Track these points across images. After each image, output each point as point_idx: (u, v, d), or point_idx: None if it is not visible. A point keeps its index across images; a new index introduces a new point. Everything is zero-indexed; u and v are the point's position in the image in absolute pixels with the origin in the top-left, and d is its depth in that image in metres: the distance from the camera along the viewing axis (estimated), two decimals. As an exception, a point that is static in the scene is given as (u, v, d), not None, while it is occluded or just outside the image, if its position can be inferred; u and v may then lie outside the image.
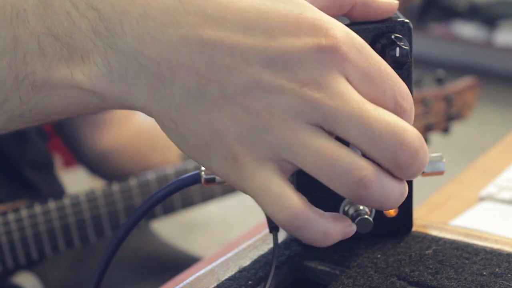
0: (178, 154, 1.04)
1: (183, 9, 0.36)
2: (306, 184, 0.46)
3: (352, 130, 0.36)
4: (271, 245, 0.50)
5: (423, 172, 0.41)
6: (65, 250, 0.91)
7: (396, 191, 0.37)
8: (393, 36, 0.42)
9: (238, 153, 0.37)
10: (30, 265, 0.91)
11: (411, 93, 0.43)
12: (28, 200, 0.91)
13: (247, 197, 0.39)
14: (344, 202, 0.46)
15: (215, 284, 0.45)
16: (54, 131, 1.08)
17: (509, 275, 0.44)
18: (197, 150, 0.38)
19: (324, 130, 0.36)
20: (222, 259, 0.49)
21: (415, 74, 0.51)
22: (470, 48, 3.58)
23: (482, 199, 0.71)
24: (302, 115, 0.36)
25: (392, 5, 0.42)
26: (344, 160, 0.36)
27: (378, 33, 0.42)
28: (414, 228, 0.50)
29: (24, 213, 0.87)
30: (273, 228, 0.46)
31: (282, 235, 0.50)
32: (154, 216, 0.95)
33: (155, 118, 0.38)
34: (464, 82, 1.09)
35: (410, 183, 0.47)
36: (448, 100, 1.04)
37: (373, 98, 0.37)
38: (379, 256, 0.47)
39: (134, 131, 1.05)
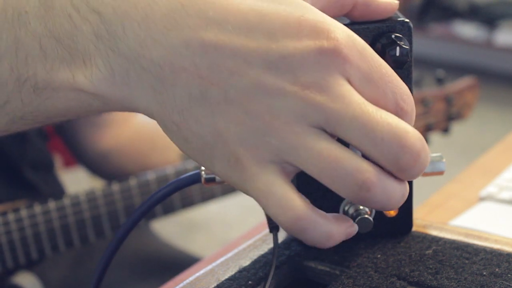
0: (178, 154, 1.04)
1: (185, 12, 0.36)
2: (306, 183, 0.46)
3: (354, 132, 0.36)
4: (271, 245, 0.50)
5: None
6: (65, 250, 0.91)
7: (397, 192, 0.37)
8: (393, 36, 0.42)
9: (240, 155, 0.37)
10: (30, 265, 0.91)
11: (411, 93, 0.43)
12: (28, 200, 0.91)
13: (247, 197, 0.39)
14: (344, 201, 0.46)
15: (215, 284, 0.45)
16: (54, 131, 1.08)
17: (509, 275, 0.44)
18: (199, 152, 0.38)
19: (326, 132, 0.36)
20: (222, 259, 0.49)
21: (415, 74, 0.51)
22: (470, 48, 3.58)
23: (482, 199, 0.71)
24: (304, 117, 0.36)
25: (393, 5, 0.42)
26: (346, 163, 0.36)
27: (378, 32, 0.42)
28: (414, 228, 0.50)
29: (24, 213, 0.87)
30: (273, 228, 0.46)
31: (282, 235, 0.50)
32: (154, 216, 0.95)
33: (157, 121, 0.38)
34: (464, 82, 1.09)
35: (410, 183, 0.47)
36: (448, 100, 1.04)
37: (375, 100, 0.37)
38: (379, 256, 0.47)
39: (134, 131, 1.05)
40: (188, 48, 0.36)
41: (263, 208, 0.38)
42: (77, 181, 1.63)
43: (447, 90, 1.05)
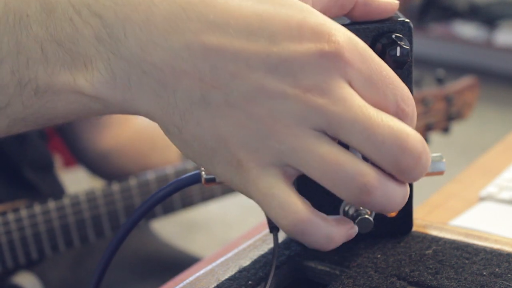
0: (178, 154, 1.04)
1: (186, 16, 0.36)
2: (306, 184, 0.46)
3: (355, 135, 0.36)
4: (271, 245, 0.50)
5: (423, 173, 0.41)
6: (64, 250, 0.91)
7: (398, 194, 0.38)
8: (393, 36, 0.42)
9: (242, 158, 0.37)
10: (30, 265, 0.91)
11: (412, 93, 0.43)
12: (27, 200, 0.91)
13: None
14: (344, 202, 0.46)
15: (215, 284, 0.45)
16: (54, 131, 1.08)
17: (509, 275, 0.44)
18: (201, 155, 0.38)
19: (327, 135, 0.36)
20: (222, 259, 0.49)
21: (415, 74, 0.51)
22: (470, 48, 3.58)
23: (482, 199, 0.71)
24: (305, 120, 0.36)
25: (393, 5, 0.42)
26: (347, 166, 0.36)
27: (379, 32, 0.42)
28: (414, 228, 0.50)
29: (23, 213, 0.87)
30: (273, 228, 0.46)
31: (282, 235, 0.50)
32: (154, 216, 0.95)
33: (158, 124, 0.39)
34: (464, 81, 1.09)
35: (410, 184, 0.47)
36: (448, 99, 1.04)
37: (375, 102, 0.37)
38: (379, 256, 0.47)
39: (134, 131, 1.05)
40: (190, 51, 0.36)
41: (265, 211, 0.38)
42: (77, 181, 1.63)
43: (447, 89, 1.05)
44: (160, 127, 0.39)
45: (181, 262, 0.97)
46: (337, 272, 0.47)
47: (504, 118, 3.08)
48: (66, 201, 0.89)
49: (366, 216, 0.43)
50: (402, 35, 0.42)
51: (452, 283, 0.43)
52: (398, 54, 0.41)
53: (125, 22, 0.37)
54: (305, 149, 0.36)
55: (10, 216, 0.87)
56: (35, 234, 0.88)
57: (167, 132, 0.38)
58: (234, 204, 2.17)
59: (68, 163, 1.78)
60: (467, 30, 3.55)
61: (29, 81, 0.39)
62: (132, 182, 0.92)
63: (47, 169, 1.02)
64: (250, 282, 0.46)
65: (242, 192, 0.38)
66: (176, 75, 0.36)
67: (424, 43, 3.60)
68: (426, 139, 1.05)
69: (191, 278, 0.47)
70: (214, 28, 0.36)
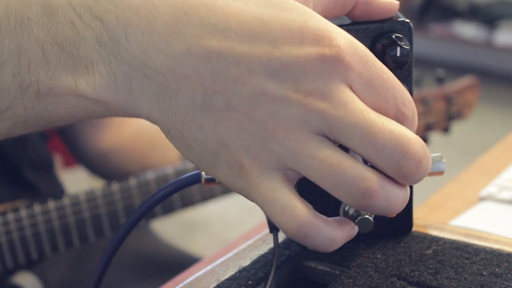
0: (178, 154, 1.04)
1: (188, 20, 0.36)
2: (307, 184, 0.46)
3: (356, 139, 0.36)
4: (271, 245, 0.50)
5: (423, 173, 0.41)
6: (64, 250, 0.91)
7: (399, 197, 0.38)
8: (393, 36, 0.42)
9: (244, 162, 0.37)
10: (29, 265, 0.91)
11: (411, 93, 0.43)
12: (27, 200, 0.91)
13: (247, 197, 0.39)
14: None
15: (215, 284, 0.45)
16: (54, 131, 1.08)
17: (509, 275, 0.44)
18: (203, 159, 0.38)
19: (328, 139, 0.36)
20: (222, 259, 0.49)
21: (415, 74, 0.51)
22: (470, 48, 3.58)
23: (482, 199, 0.71)
24: (307, 124, 0.36)
25: (393, 5, 0.42)
26: (349, 171, 0.36)
27: (379, 32, 0.42)
28: (414, 228, 0.50)
29: (23, 213, 0.87)
30: (273, 228, 0.46)
31: (282, 235, 0.50)
32: (154, 216, 0.95)
33: (160, 127, 0.39)
34: (464, 81, 1.09)
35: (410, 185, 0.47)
36: (448, 99, 1.04)
37: (376, 106, 0.37)
38: (379, 256, 0.47)
39: (134, 131, 1.05)
40: (191, 56, 0.36)
41: (267, 215, 0.38)
42: (77, 181, 1.63)
43: (447, 89, 1.05)
44: (162, 130, 0.39)
45: (181, 262, 0.97)
46: (337, 272, 0.47)
47: (504, 118, 3.08)
48: (66, 201, 0.89)
49: (366, 216, 0.43)
50: (402, 35, 0.42)
51: (452, 283, 0.43)
52: (398, 54, 0.41)
53: (126, 26, 0.37)
54: (307, 153, 0.36)
55: (10, 216, 0.86)
56: (35, 234, 0.88)
57: (168, 135, 0.38)
58: (234, 204, 2.17)
59: (68, 163, 1.78)
60: (467, 30, 3.55)
61: (30, 84, 0.39)
62: (132, 182, 0.92)
63: (47, 169, 1.02)
64: (250, 282, 0.46)
65: (244, 196, 0.39)
66: (177, 79, 0.36)
67: (424, 43, 3.60)
68: (426, 139, 1.05)
69: (191, 278, 0.47)
70: (215, 32, 0.36)
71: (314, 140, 0.36)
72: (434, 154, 0.43)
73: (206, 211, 2.23)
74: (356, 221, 0.42)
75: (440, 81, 1.06)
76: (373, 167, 0.37)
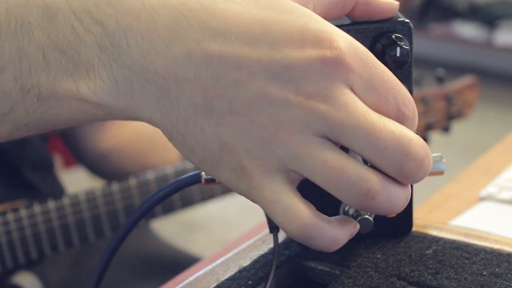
0: (178, 154, 1.04)
1: (187, 23, 0.36)
2: (307, 184, 0.46)
3: (358, 140, 0.36)
4: (271, 245, 0.50)
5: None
6: (64, 250, 0.91)
7: (401, 197, 0.38)
8: (393, 36, 0.42)
9: (246, 165, 0.37)
10: (29, 265, 0.91)
11: (411, 93, 0.43)
12: (27, 200, 0.91)
13: (247, 196, 0.39)
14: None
15: (215, 284, 0.45)
16: (54, 131, 1.08)
17: (509, 275, 0.44)
18: (205, 161, 0.38)
19: (330, 140, 0.37)
20: (222, 259, 0.49)
21: (415, 73, 0.51)
22: (470, 48, 3.58)
23: (482, 199, 0.71)
24: (308, 127, 0.36)
25: (393, 5, 0.42)
26: (351, 173, 0.36)
27: (379, 33, 0.42)
28: (414, 228, 0.50)
29: (23, 212, 0.87)
30: (273, 228, 0.46)
31: (282, 235, 0.50)
32: (154, 216, 0.95)
33: (162, 131, 0.39)
34: (464, 81, 1.09)
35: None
36: (448, 99, 1.04)
37: (377, 106, 0.37)
38: (379, 256, 0.47)
39: (134, 131, 1.05)
40: (192, 59, 0.36)
41: (270, 217, 0.38)
42: (77, 181, 1.63)
43: (447, 89, 1.05)
44: (164, 133, 0.39)
45: (181, 262, 0.97)
46: (337, 272, 0.47)
47: (504, 118, 3.08)
48: (65, 201, 0.89)
49: (366, 216, 0.43)
50: (402, 35, 0.42)
51: (452, 283, 0.43)
52: (398, 54, 0.41)
53: (126, 31, 0.37)
54: (308, 155, 0.36)
55: (10, 216, 0.86)
56: (35, 234, 0.88)
57: (170, 138, 0.39)
58: (234, 204, 2.17)
59: (68, 163, 1.78)
60: (467, 30, 3.55)
61: (31, 88, 0.39)
62: (132, 182, 0.92)
63: (47, 169, 1.02)
64: (250, 282, 0.46)
65: (247, 197, 0.39)
66: (178, 83, 0.36)
67: (424, 43, 3.60)
68: (426, 139, 1.05)
69: (191, 278, 0.47)
70: (215, 36, 0.36)
71: (315, 142, 0.36)
72: (434, 154, 0.43)
73: (206, 211, 2.23)
74: (356, 221, 0.42)
75: (440, 80, 1.06)
76: (374, 167, 0.37)
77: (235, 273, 0.47)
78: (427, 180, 0.48)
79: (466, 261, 0.46)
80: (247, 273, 0.47)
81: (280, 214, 0.37)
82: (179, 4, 0.37)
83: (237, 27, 0.36)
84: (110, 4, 0.38)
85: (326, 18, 0.40)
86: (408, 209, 0.49)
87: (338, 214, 0.46)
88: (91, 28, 0.37)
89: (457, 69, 3.00)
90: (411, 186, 0.47)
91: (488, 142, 1.40)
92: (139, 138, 1.05)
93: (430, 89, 1.04)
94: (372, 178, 0.36)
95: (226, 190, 0.97)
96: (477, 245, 0.48)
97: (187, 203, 0.96)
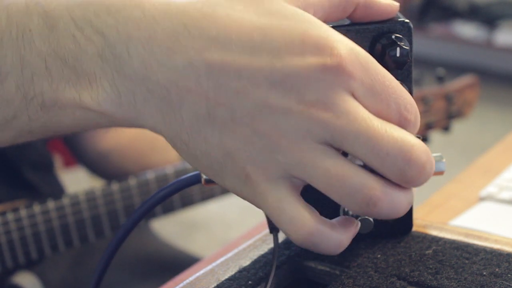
0: (178, 154, 1.03)
1: (188, 33, 0.36)
2: (309, 185, 0.46)
3: (360, 147, 0.36)
4: (271, 245, 0.50)
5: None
6: (64, 250, 0.91)
7: (404, 201, 0.38)
8: (393, 36, 0.42)
9: (250, 172, 0.37)
10: (29, 265, 0.91)
11: (411, 93, 0.43)
12: (27, 200, 0.90)
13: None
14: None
15: (215, 284, 0.45)
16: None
17: (509, 275, 0.44)
18: (210, 169, 0.39)
19: (333, 147, 0.37)
20: (222, 259, 0.49)
21: (415, 73, 0.51)
22: (470, 48, 3.58)
23: (482, 199, 0.71)
24: (311, 135, 0.36)
25: (393, 6, 0.42)
26: (353, 180, 0.36)
27: (379, 33, 0.42)
28: (414, 228, 0.50)
29: (23, 212, 0.87)
30: (273, 228, 0.46)
31: (282, 235, 0.50)
32: (154, 215, 0.95)
33: (166, 139, 0.39)
34: (464, 80, 1.09)
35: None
36: (448, 98, 1.04)
37: (378, 112, 0.37)
38: (379, 256, 0.47)
39: (134, 131, 1.05)
40: (193, 69, 0.36)
41: (275, 224, 0.39)
42: (77, 181, 1.63)
43: (447, 88, 1.05)
44: (168, 142, 0.39)
45: (181, 262, 0.97)
46: (337, 272, 0.46)
47: (504, 118, 3.08)
48: (65, 201, 0.89)
49: (366, 216, 0.43)
50: (402, 35, 0.42)
51: (452, 283, 0.43)
52: (398, 54, 0.41)
53: (128, 41, 0.37)
54: (311, 163, 0.36)
55: (10, 216, 0.86)
56: (35, 234, 0.88)
57: (174, 146, 0.39)
58: (234, 204, 2.17)
59: (68, 163, 1.78)
60: (467, 30, 3.55)
61: (34, 96, 0.39)
62: (132, 182, 0.92)
63: (47, 169, 1.01)
64: (250, 282, 0.46)
65: (252, 203, 0.39)
66: (180, 93, 0.37)
67: (424, 43, 3.60)
68: (426, 138, 1.05)
69: (191, 278, 0.47)
70: (216, 45, 0.36)
71: (318, 150, 0.36)
72: (434, 154, 0.43)
73: (206, 211, 2.23)
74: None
75: (440, 80, 1.06)
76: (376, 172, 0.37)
77: (235, 273, 0.47)
78: (427, 180, 0.48)
79: (466, 261, 0.46)
80: (247, 273, 0.47)
81: (285, 222, 0.38)
82: (180, 13, 0.37)
83: (238, 36, 0.36)
84: (110, 13, 0.38)
85: (326, 21, 0.40)
86: (408, 209, 0.49)
87: (338, 213, 0.46)
88: (92, 38, 0.37)
89: (457, 69, 3.00)
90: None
91: (488, 142, 1.40)
92: (139, 138, 1.05)
93: (430, 88, 1.04)
94: (373, 185, 0.37)
95: (226, 190, 0.97)
96: (477, 245, 0.48)
97: (187, 203, 0.96)
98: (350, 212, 0.44)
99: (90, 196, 0.90)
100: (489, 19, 3.49)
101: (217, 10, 0.37)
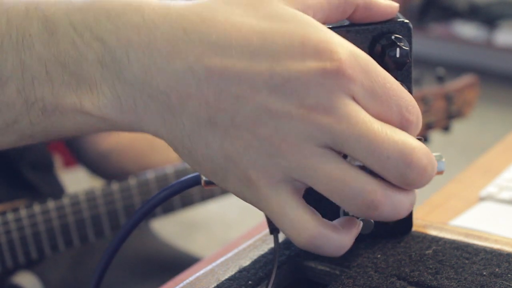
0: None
1: (188, 38, 0.36)
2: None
3: (361, 151, 0.36)
4: (271, 245, 0.50)
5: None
6: (64, 250, 0.91)
7: (405, 203, 0.38)
8: (393, 37, 0.42)
9: (252, 176, 0.37)
10: (29, 265, 0.91)
11: (411, 93, 0.43)
12: (27, 200, 0.90)
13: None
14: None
15: (215, 284, 0.45)
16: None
17: (509, 275, 0.44)
18: (212, 173, 0.39)
19: (334, 150, 0.37)
20: (222, 259, 0.49)
21: (415, 73, 0.51)
22: (470, 48, 3.58)
23: (482, 199, 0.71)
24: (311, 139, 0.36)
25: (393, 7, 0.42)
26: (353, 184, 0.36)
27: (378, 33, 0.42)
28: (414, 228, 0.50)
29: (23, 212, 0.87)
30: (274, 229, 0.46)
31: (282, 236, 0.50)
32: (154, 215, 0.95)
33: (168, 144, 0.39)
34: (464, 80, 1.09)
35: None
36: (448, 98, 1.04)
37: (380, 114, 0.37)
38: (379, 256, 0.47)
39: (134, 131, 1.05)
40: (194, 75, 0.36)
41: (278, 228, 0.39)
42: (77, 181, 1.63)
43: (447, 88, 1.05)
44: (170, 146, 0.39)
45: (181, 262, 0.97)
46: (337, 272, 0.46)
47: (504, 118, 3.08)
48: (65, 200, 0.89)
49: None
50: (402, 36, 0.42)
51: (452, 283, 0.43)
52: (397, 55, 0.41)
53: (127, 47, 0.37)
54: (312, 167, 0.37)
55: (10, 216, 0.86)
56: (35, 234, 0.88)
57: (176, 151, 0.39)
58: (234, 204, 2.17)
59: (68, 163, 1.78)
60: (467, 30, 3.55)
61: (36, 101, 0.39)
62: (132, 181, 0.92)
63: (47, 169, 1.01)
64: (250, 282, 0.46)
65: (255, 207, 0.39)
66: (181, 99, 0.37)
67: (424, 43, 3.60)
68: (427, 138, 1.05)
69: (191, 278, 0.47)
70: (216, 50, 0.36)
71: (319, 154, 0.36)
72: (434, 154, 0.43)
73: (206, 211, 2.23)
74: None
75: (440, 79, 1.06)
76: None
77: (235, 273, 0.47)
78: (427, 180, 0.48)
79: (466, 261, 0.46)
80: (247, 273, 0.47)
81: (288, 226, 0.38)
82: (179, 17, 0.37)
83: (237, 40, 0.36)
84: (109, 18, 0.38)
85: (326, 22, 0.40)
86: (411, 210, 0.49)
87: (340, 211, 0.46)
88: (92, 44, 0.37)
89: (457, 69, 3.00)
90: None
91: (488, 142, 1.40)
92: (139, 138, 1.05)
93: (430, 88, 1.04)
94: (374, 189, 0.37)
95: (226, 190, 0.97)
96: (477, 245, 0.48)
97: (187, 202, 0.96)
98: (350, 213, 0.44)
99: (90, 196, 0.90)
100: (489, 19, 3.49)
101: (216, 14, 0.37)
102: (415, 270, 0.45)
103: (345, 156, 0.38)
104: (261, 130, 0.36)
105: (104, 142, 1.03)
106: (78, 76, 0.38)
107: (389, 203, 0.37)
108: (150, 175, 0.93)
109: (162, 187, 0.93)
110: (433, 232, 0.50)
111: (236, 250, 0.50)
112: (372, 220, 0.43)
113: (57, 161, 1.69)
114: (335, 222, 0.40)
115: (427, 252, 0.47)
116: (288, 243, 0.50)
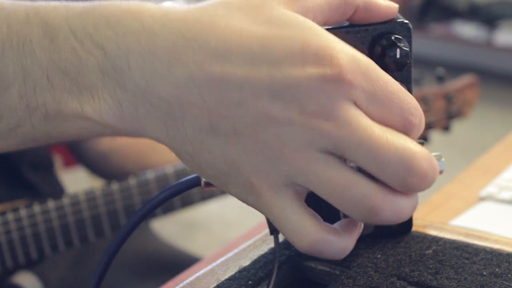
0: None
1: (188, 46, 0.36)
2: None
3: (362, 157, 0.36)
4: (271, 245, 0.50)
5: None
6: (64, 250, 0.91)
7: (407, 207, 0.38)
8: (393, 37, 0.42)
9: (254, 182, 0.38)
10: (29, 265, 0.91)
11: (411, 93, 0.43)
12: (27, 200, 0.90)
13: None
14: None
15: (215, 284, 0.45)
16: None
17: (509, 275, 0.44)
18: (215, 178, 0.39)
19: (335, 155, 0.37)
20: (222, 259, 0.49)
21: (415, 73, 0.51)
22: (470, 48, 3.58)
23: (482, 199, 0.71)
24: (313, 144, 0.36)
25: (393, 8, 0.42)
26: (355, 190, 0.37)
27: (378, 34, 0.42)
28: (414, 228, 0.50)
29: (23, 212, 0.87)
30: (274, 230, 0.46)
31: (282, 236, 0.50)
32: (154, 215, 0.95)
33: (171, 150, 0.39)
34: (464, 80, 1.09)
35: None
36: (448, 98, 1.04)
37: (382, 118, 0.37)
38: (379, 256, 0.47)
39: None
40: (195, 83, 0.36)
41: (281, 233, 0.39)
42: (77, 181, 1.63)
43: (447, 88, 1.05)
44: (172, 152, 0.39)
45: (181, 262, 0.97)
46: (337, 272, 0.47)
47: (504, 118, 3.08)
48: (65, 200, 0.89)
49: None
50: (402, 36, 0.42)
51: (452, 283, 0.43)
52: (397, 55, 0.41)
53: (128, 54, 0.37)
54: (313, 172, 0.37)
55: (10, 216, 0.86)
56: (35, 234, 0.88)
57: (179, 157, 0.39)
58: (234, 204, 2.16)
59: (68, 163, 1.78)
60: (467, 30, 3.55)
61: (37, 107, 0.39)
62: (132, 181, 0.92)
63: (47, 169, 1.01)
64: (250, 282, 0.46)
65: (258, 211, 0.39)
66: (183, 106, 0.37)
67: (424, 43, 3.60)
68: (426, 138, 1.05)
69: (191, 278, 0.47)
70: (217, 57, 0.36)
71: (320, 159, 0.37)
72: (434, 153, 0.43)
73: (206, 211, 2.23)
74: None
75: (440, 79, 1.06)
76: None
77: (235, 273, 0.47)
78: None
79: (466, 261, 0.46)
80: (247, 273, 0.47)
81: (290, 232, 0.38)
82: (179, 24, 0.37)
83: (238, 47, 0.36)
84: (109, 25, 0.37)
85: (326, 24, 0.40)
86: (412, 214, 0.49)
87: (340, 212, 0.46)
88: (92, 51, 0.37)
89: (457, 69, 3.00)
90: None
91: (488, 142, 1.40)
92: (139, 138, 1.05)
93: (430, 88, 1.04)
94: (375, 194, 0.37)
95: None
96: (477, 245, 0.48)
97: (187, 202, 0.96)
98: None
99: (90, 196, 0.90)
100: (489, 19, 3.49)
101: (216, 20, 0.37)
102: (415, 270, 0.45)
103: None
104: (262, 136, 0.36)
105: (104, 142, 1.03)
106: (79, 83, 0.38)
107: (389, 208, 0.37)
108: (150, 175, 0.93)
109: (162, 187, 0.93)
110: (433, 232, 0.50)
111: (236, 250, 0.50)
112: (372, 220, 0.43)
113: (57, 161, 1.69)
114: (336, 225, 0.40)
115: (427, 252, 0.47)
116: (288, 243, 0.50)
